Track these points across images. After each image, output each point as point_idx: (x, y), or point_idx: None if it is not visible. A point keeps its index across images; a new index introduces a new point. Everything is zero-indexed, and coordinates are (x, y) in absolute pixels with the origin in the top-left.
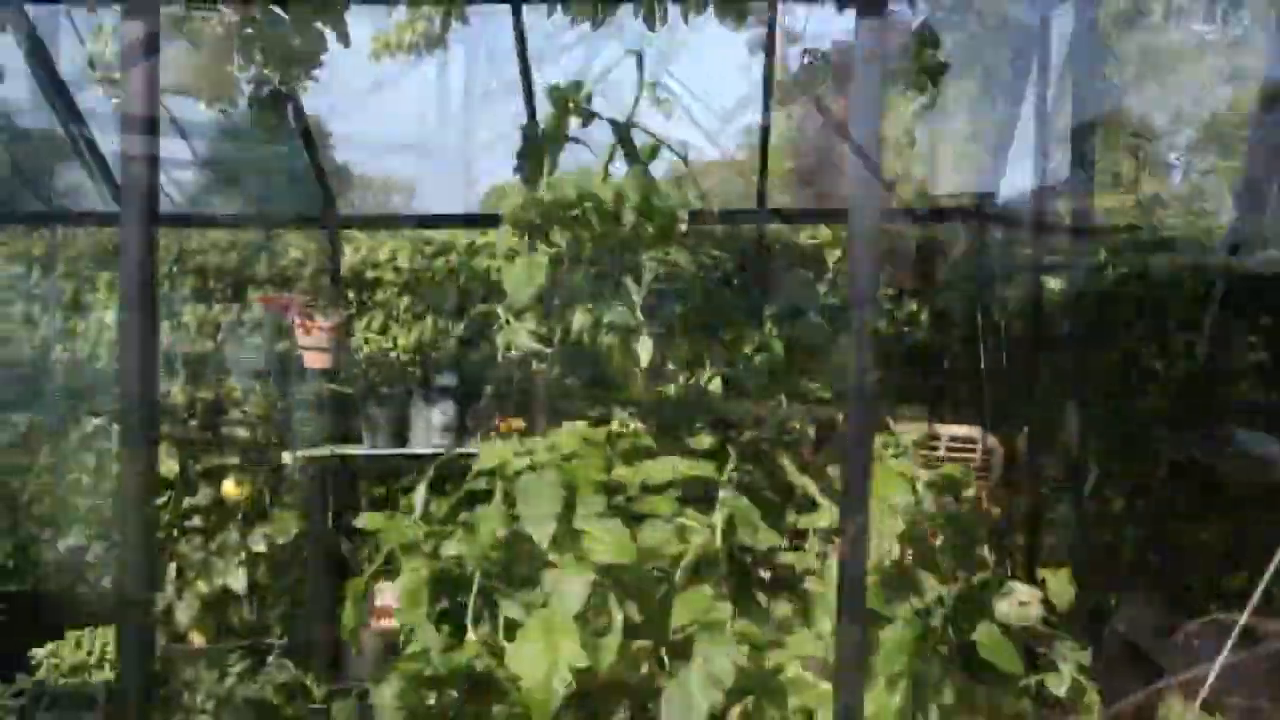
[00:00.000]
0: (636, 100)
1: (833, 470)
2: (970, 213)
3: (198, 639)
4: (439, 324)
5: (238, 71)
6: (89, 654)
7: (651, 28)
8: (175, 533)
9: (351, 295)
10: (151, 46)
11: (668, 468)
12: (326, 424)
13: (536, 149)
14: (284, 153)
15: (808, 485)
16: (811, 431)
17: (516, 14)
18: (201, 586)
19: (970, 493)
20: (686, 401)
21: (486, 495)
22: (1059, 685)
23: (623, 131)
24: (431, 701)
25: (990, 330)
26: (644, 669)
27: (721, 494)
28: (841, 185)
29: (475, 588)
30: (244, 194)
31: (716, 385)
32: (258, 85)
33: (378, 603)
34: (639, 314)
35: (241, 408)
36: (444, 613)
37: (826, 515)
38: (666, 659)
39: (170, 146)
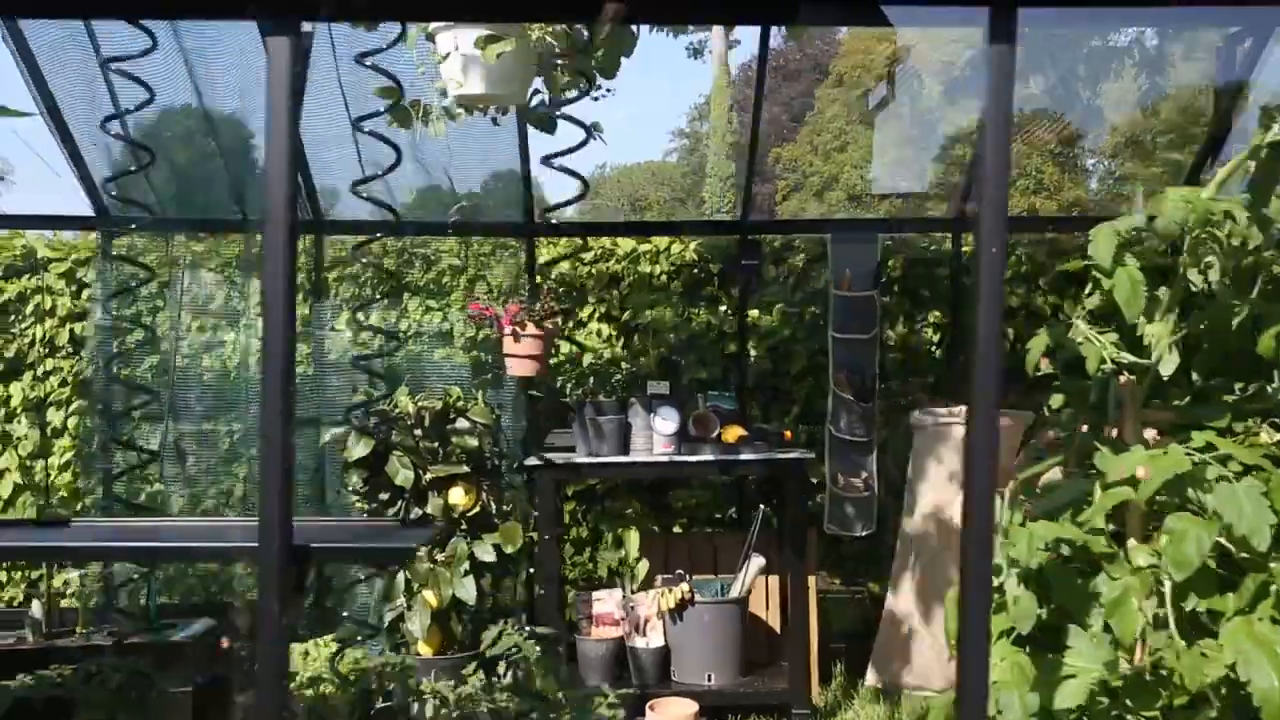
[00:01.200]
0: None
1: None
2: None
3: (425, 650)
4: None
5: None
6: (325, 666)
7: None
8: None
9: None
10: None
11: None
12: (538, 432)
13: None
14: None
15: None
16: None
17: (764, 39)
18: (430, 597)
19: None
20: None
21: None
22: None
23: None
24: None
25: None
26: None
27: None
28: None
29: (1170, 595)
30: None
31: None
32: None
33: (595, 611)
34: None
35: (466, 415)
36: (1055, 612)
37: None
38: None
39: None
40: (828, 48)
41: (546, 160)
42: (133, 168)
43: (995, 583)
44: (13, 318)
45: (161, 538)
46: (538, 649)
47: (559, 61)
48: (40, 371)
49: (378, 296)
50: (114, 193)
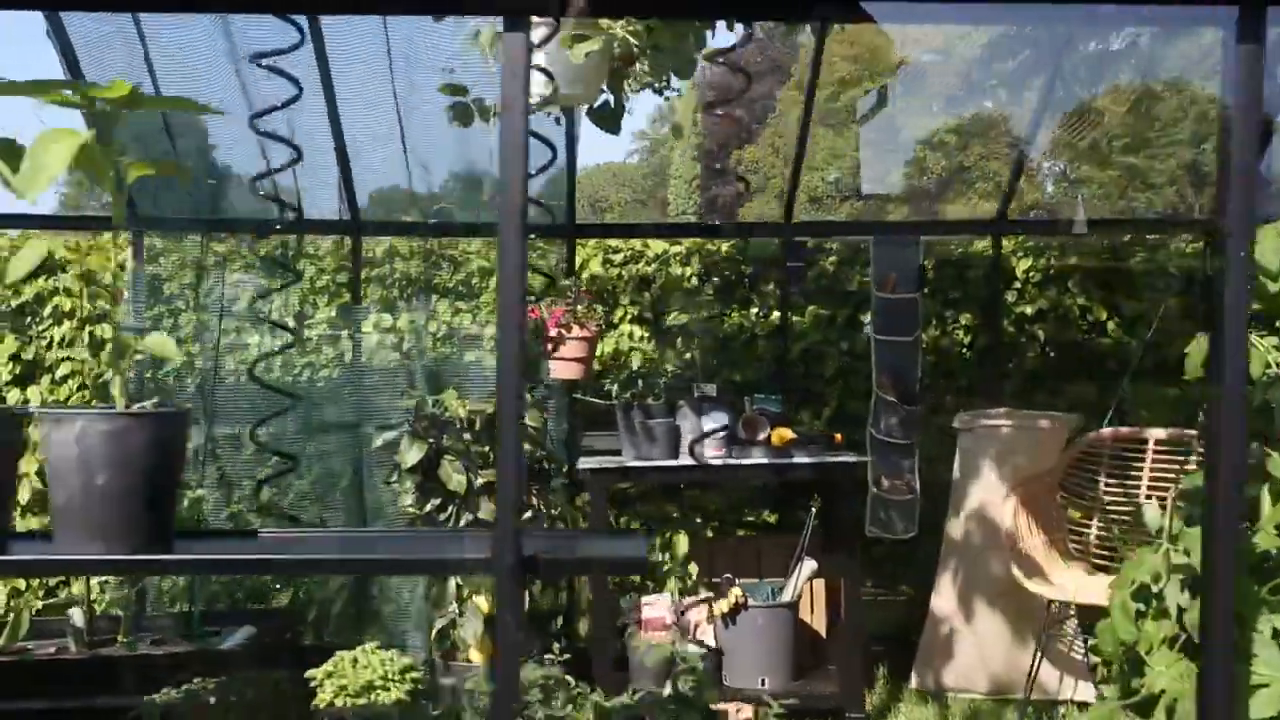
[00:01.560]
0: None
1: None
2: None
3: (476, 657)
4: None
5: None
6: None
7: None
8: None
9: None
10: None
11: None
12: (575, 435)
13: None
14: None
15: None
16: None
17: (821, 38)
18: (482, 603)
19: None
20: None
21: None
22: None
23: None
24: None
25: None
26: None
27: None
28: None
29: None
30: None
31: None
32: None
33: (644, 615)
34: None
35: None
36: None
37: None
38: None
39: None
40: (789, 50)
41: (710, 164)
42: (279, 164)
43: (1155, 589)
44: (30, 320)
45: (372, 549)
46: (701, 660)
47: (638, 61)
48: (58, 374)
49: (404, 298)
50: (261, 191)
